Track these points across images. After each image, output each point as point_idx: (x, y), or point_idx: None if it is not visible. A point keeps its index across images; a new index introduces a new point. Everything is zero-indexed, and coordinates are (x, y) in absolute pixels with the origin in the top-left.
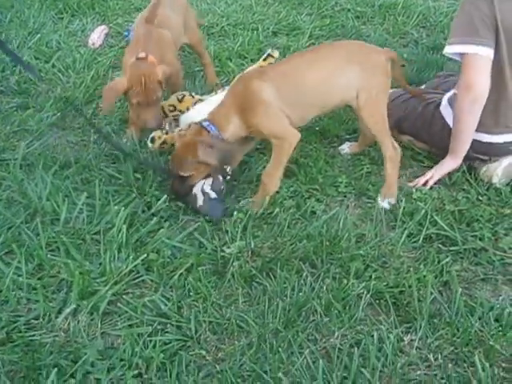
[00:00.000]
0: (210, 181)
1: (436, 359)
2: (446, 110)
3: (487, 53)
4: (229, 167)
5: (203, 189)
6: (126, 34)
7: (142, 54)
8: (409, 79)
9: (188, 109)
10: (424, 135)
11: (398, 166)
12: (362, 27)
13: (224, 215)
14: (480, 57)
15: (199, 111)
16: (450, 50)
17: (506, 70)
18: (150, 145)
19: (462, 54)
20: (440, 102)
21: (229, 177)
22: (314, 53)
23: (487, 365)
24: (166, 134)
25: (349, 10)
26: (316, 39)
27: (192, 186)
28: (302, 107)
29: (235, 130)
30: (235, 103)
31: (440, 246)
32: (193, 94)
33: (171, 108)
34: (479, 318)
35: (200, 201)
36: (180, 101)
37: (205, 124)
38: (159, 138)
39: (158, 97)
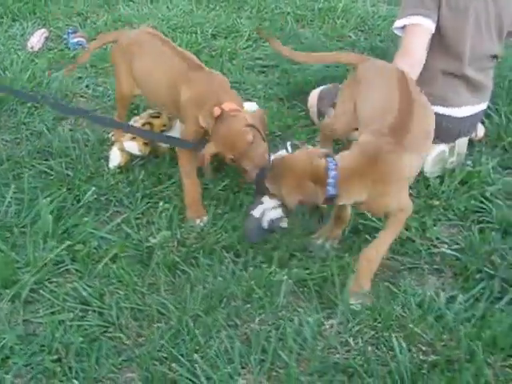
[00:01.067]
0: (274, 216)
1: (356, 343)
2: None
3: (428, 25)
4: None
5: (264, 213)
6: (65, 37)
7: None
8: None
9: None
10: None
11: None
12: (301, 30)
13: (255, 241)
14: (421, 27)
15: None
16: (396, 24)
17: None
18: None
19: (404, 27)
20: None
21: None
22: None
23: (406, 348)
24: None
25: (289, 13)
26: (254, 41)
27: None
28: None
29: (351, 196)
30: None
31: (367, 236)
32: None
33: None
34: (402, 305)
35: (256, 212)
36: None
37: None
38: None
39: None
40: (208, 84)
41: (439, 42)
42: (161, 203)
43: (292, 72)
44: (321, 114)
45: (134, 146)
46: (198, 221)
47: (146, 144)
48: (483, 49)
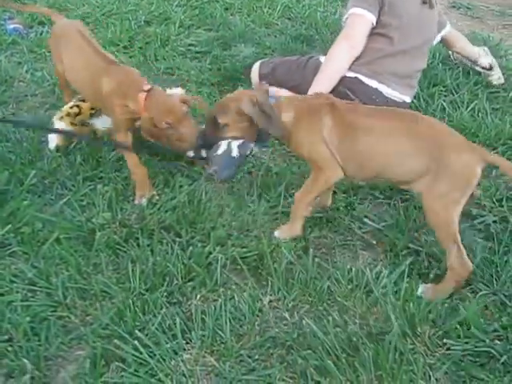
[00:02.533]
0: (240, 142)
1: (292, 317)
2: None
3: (371, 17)
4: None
5: (230, 143)
6: (2, 23)
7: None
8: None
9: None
10: (297, 77)
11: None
12: (231, 17)
13: (228, 178)
14: (364, 17)
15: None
16: (346, 14)
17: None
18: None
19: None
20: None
21: (253, 151)
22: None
23: (339, 320)
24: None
25: (217, 1)
26: (186, 28)
27: (222, 138)
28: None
29: (288, 120)
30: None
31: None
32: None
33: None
34: (335, 280)
35: (220, 151)
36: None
37: (268, 88)
38: (68, 114)
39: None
40: (127, 75)
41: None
42: (99, 185)
43: (222, 58)
44: None
45: (62, 126)
46: (146, 197)
47: (73, 124)
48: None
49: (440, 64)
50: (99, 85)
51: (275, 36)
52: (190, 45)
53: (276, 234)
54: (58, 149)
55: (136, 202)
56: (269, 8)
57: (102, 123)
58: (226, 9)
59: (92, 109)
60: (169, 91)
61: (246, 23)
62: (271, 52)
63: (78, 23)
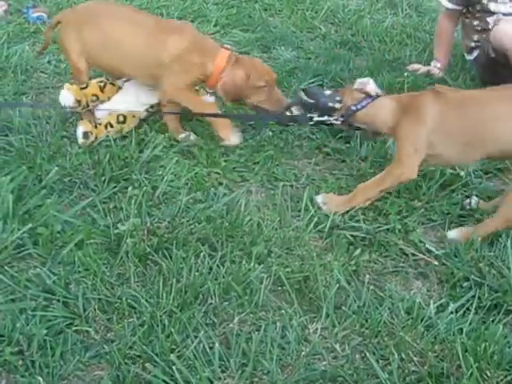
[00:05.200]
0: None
1: (343, 350)
2: None
3: None
4: None
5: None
6: (25, 11)
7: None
8: (315, 71)
9: (109, 98)
10: None
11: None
12: (270, 19)
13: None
14: None
15: (117, 102)
16: None
17: None
18: (81, 141)
19: None
20: None
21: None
22: None
23: (397, 357)
24: (96, 127)
25: (256, 1)
26: (222, 27)
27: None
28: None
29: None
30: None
31: (349, 236)
32: (113, 81)
33: (93, 98)
34: (389, 310)
35: None
36: (102, 90)
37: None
38: (92, 133)
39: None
40: (197, 34)
41: None
42: (129, 188)
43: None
44: None
45: (68, 97)
46: (232, 139)
47: (82, 89)
48: None
49: None
50: (162, 48)
51: (318, 41)
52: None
53: (319, 199)
54: (85, 135)
55: (227, 142)
56: (311, 11)
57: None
58: (265, 10)
59: (94, 95)
60: None
61: (286, 25)
62: (315, 57)
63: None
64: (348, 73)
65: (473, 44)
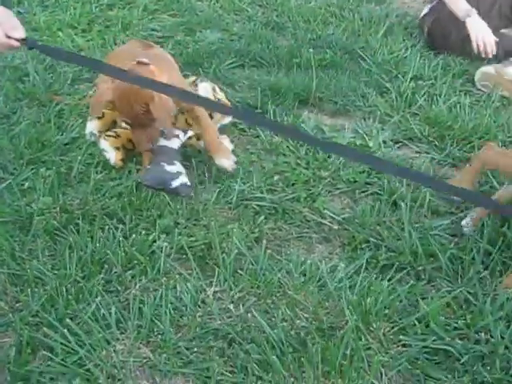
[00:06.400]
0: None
1: (237, 310)
2: None
3: None
4: None
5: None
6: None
7: (144, 59)
8: (236, 52)
9: None
10: None
11: None
12: (198, 3)
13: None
14: None
15: None
16: None
17: None
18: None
19: None
20: None
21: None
22: None
23: (287, 314)
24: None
25: None
26: (150, 13)
27: None
28: None
29: None
30: None
31: (255, 206)
32: None
33: None
34: (286, 272)
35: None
36: None
37: None
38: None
39: (151, 120)
40: None
41: None
42: (42, 169)
43: (186, 44)
44: None
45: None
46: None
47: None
48: None
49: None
50: None
51: (244, 22)
52: (152, 30)
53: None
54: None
55: (230, 169)
56: None
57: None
58: None
59: None
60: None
61: (214, 9)
62: (238, 38)
63: None
64: (269, 52)
65: None
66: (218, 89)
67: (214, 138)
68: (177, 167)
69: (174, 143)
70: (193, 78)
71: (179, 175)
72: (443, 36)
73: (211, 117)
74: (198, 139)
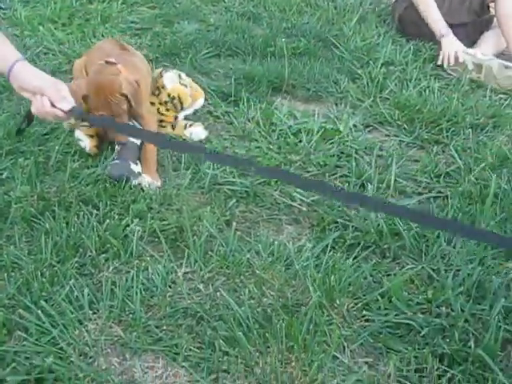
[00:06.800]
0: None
1: (206, 289)
2: None
3: None
4: None
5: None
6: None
7: (112, 59)
8: (212, 42)
9: None
10: None
11: None
12: None
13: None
14: None
15: None
16: None
17: None
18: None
19: None
20: None
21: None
22: None
23: (255, 292)
24: None
25: None
26: (130, 6)
27: None
28: None
29: None
30: None
31: (227, 190)
32: None
33: None
34: (255, 252)
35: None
36: None
37: None
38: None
39: (123, 110)
40: None
41: None
42: (21, 159)
43: (163, 35)
44: None
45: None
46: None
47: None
48: None
49: (390, 42)
50: None
51: (221, 13)
52: (131, 22)
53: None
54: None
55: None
56: None
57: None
58: None
59: None
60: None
61: (191, 1)
62: (214, 29)
63: None
64: (244, 42)
65: None
66: (183, 75)
67: (152, 156)
68: (138, 167)
69: (138, 140)
70: (159, 70)
71: (139, 176)
72: (414, 23)
73: (181, 105)
74: (173, 128)
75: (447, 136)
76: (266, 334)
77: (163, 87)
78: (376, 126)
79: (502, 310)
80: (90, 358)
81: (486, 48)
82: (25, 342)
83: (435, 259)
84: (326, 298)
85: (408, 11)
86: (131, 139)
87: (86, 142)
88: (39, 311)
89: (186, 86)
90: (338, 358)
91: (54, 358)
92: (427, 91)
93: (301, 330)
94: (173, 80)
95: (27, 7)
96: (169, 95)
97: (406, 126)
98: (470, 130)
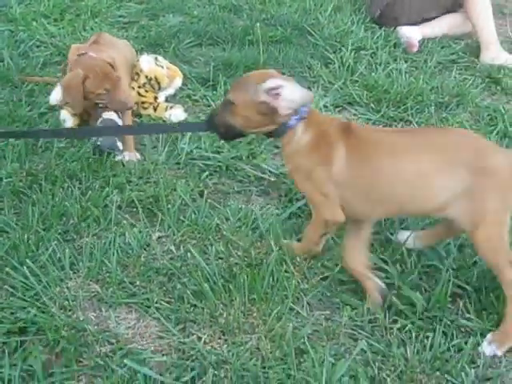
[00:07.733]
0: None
1: (178, 251)
2: None
3: None
4: None
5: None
6: None
7: (82, 51)
8: (195, 33)
9: None
10: None
11: None
12: None
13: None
14: None
15: None
16: None
17: None
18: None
19: None
20: None
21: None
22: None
23: (222, 252)
24: None
25: None
26: (118, 1)
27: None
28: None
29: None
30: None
31: (201, 165)
32: None
33: None
34: (225, 218)
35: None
36: None
37: None
38: None
39: (118, 76)
40: None
41: None
42: (11, 140)
43: (149, 28)
44: None
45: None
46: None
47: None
48: None
49: (363, 29)
50: None
51: (204, 6)
52: (119, 16)
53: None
54: None
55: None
56: None
57: None
58: None
59: None
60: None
61: None
62: (197, 20)
63: None
64: (225, 32)
65: None
66: (160, 58)
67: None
68: (120, 145)
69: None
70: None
71: (122, 152)
72: (395, 19)
73: (159, 85)
74: (155, 109)
75: (412, 114)
76: (231, 288)
77: (141, 71)
78: (345, 107)
79: (452, 264)
80: (70, 310)
81: (438, 24)
82: (12, 298)
83: (393, 225)
84: (288, 256)
85: (389, 8)
86: (113, 119)
87: (70, 122)
88: (26, 270)
89: (162, 67)
90: (295, 310)
91: (36, 310)
92: (395, 73)
93: (262, 284)
94: (149, 62)
95: (22, 5)
96: (146, 77)
97: (373, 106)
98: (433, 107)
